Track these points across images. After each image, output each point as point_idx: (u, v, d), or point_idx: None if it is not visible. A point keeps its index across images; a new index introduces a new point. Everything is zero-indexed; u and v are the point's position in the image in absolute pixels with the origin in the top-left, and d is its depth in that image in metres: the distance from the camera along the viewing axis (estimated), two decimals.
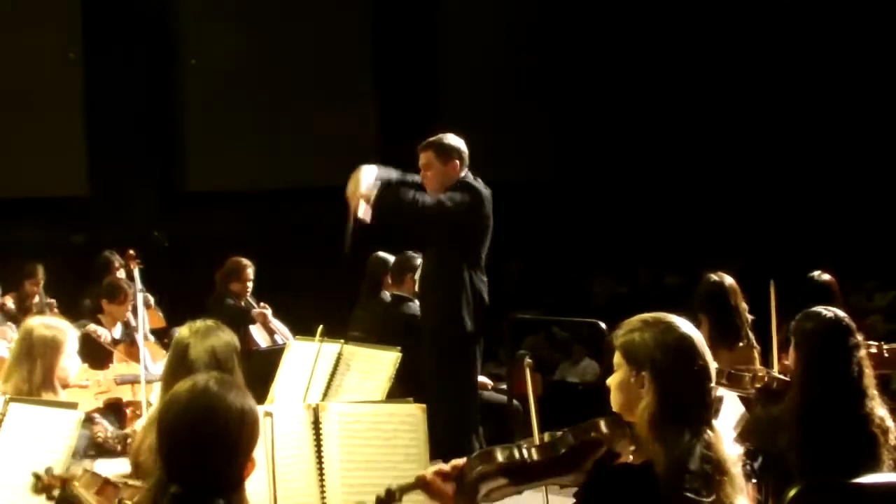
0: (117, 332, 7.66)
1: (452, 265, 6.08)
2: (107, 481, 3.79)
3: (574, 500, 3.05)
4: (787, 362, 5.14)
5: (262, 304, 8.55)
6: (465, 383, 6.17)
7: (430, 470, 3.20)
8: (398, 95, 12.38)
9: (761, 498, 4.04)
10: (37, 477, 3.56)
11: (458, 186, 6.12)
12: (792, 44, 12.80)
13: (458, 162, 6.18)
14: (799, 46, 12.74)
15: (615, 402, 3.02)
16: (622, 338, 3.02)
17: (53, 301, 8.83)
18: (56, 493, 3.55)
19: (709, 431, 2.92)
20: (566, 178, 13.01)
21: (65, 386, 4.61)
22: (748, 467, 3.77)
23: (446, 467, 3.17)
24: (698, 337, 3.01)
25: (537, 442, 3.18)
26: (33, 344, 4.54)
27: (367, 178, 5.99)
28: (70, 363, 4.63)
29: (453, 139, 6.24)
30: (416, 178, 6.22)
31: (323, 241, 11.59)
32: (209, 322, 4.12)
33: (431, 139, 6.21)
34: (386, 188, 5.94)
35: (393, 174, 6.14)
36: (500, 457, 3.06)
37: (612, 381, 3.04)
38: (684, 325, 3.01)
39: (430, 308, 6.27)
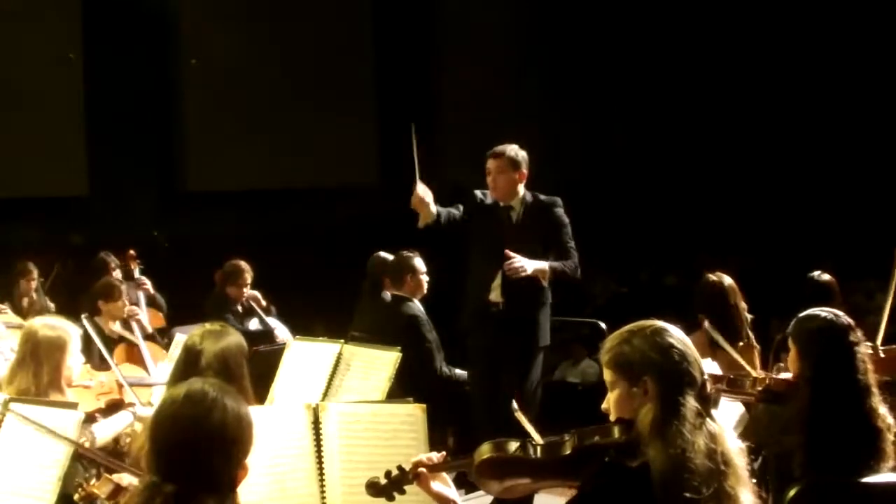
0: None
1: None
2: (118, 486, 3.83)
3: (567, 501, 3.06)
4: (781, 365, 5.15)
5: (251, 291, 8.50)
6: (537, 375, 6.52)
7: (421, 457, 3.26)
8: (398, 96, 12.38)
9: (764, 496, 4.04)
10: (79, 485, 3.64)
11: (557, 205, 6.52)
12: (792, 44, 12.81)
13: (525, 172, 6.51)
14: (799, 46, 12.74)
15: (618, 416, 3.00)
16: (610, 353, 3.01)
17: (46, 299, 8.83)
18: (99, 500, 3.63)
19: (711, 423, 2.92)
20: (566, 177, 13.01)
21: (69, 385, 4.64)
22: (749, 466, 3.78)
23: (435, 457, 3.23)
24: (681, 332, 3.03)
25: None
26: (39, 345, 4.56)
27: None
28: (74, 362, 4.66)
29: (520, 151, 6.54)
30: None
31: (322, 240, 11.66)
32: (216, 326, 4.13)
33: (501, 149, 6.49)
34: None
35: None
36: (510, 448, 3.09)
37: (610, 400, 3.02)
38: (665, 324, 3.03)
39: (525, 301, 6.48)
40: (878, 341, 5.43)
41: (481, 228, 6.53)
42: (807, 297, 5.68)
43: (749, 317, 6.12)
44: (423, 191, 6.26)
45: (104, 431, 4.67)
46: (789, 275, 8.05)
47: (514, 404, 3.63)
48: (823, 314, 4.07)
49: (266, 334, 8.09)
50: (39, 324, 4.72)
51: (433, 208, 6.31)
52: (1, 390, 4.53)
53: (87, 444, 4.19)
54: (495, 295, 6.50)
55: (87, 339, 5.93)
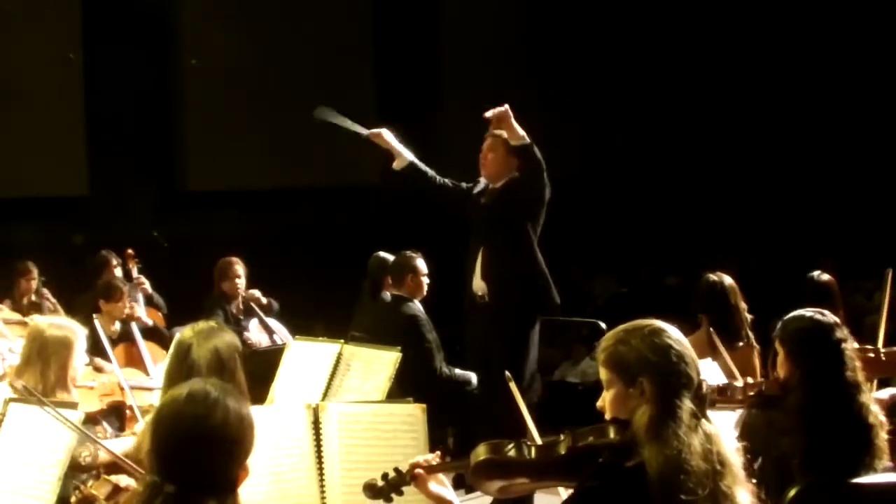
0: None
1: (531, 244, 6.52)
2: (116, 487, 3.84)
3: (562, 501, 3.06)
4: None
5: (250, 290, 8.46)
6: (530, 360, 6.45)
7: (418, 459, 3.27)
8: (398, 96, 12.38)
9: (764, 497, 4.05)
10: (76, 488, 3.63)
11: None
12: (792, 44, 12.81)
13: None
14: (799, 46, 12.74)
15: (613, 416, 3.00)
16: (607, 353, 3.01)
17: (46, 291, 8.84)
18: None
19: (706, 424, 2.92)
20: (566, 176, 12.99)
21: (73, 384, 4.65)
22: (750, 466, 3.79)
23: (432, 459, 3.25)
24: (679, 332, 3.02)
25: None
26: (46, 344, 4.57)
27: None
28: (80, 361, 4.68)
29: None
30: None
31: (322, 240, 11.66)
32: (211, 323, 4.12)
33: (500, 131, 6.51)
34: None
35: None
36: (506, 449, 3.09)
37: (605, 399, 3.02)
38: (663, 323, 3.03)
39: (509, 284, 6.42)
40: (879, 343, 5.42)
41: (470, 215, 6.55)
42: (806, 297, 5.68)
43: (749, 317, 6.12)
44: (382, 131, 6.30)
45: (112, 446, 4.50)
46: (789, 275, 8.05)
47: (507, 374, 3.63)
48: (808, 314, 4.06)
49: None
50: (46, 323, 4.74)
51: (400, 147, 6.31)
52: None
53: (89, 459, 4.17)
54: (477, 282, 6.47)
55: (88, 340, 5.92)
